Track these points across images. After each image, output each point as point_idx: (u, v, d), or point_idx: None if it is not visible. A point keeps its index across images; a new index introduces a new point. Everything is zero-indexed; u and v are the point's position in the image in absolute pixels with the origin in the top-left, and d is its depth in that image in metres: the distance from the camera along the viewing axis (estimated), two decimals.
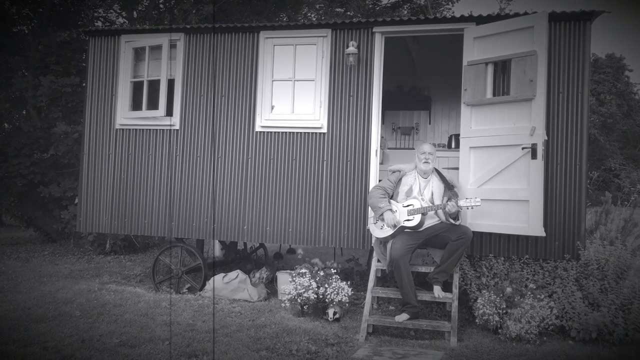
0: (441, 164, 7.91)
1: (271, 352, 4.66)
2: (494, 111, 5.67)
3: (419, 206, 5.39)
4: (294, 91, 6.48)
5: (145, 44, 6.90)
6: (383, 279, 6.20)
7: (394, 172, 5.82)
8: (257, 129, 6.58)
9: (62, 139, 10.53)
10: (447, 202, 5.37)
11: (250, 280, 6.86)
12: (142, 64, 6.99)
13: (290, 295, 5.77)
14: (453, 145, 8.51)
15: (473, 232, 5.52)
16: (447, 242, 5.40)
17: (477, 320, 5.33)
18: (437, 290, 5.43)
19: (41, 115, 11.56)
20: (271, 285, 7.10)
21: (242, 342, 4.86)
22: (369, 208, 5.86)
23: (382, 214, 5.48)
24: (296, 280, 5.81)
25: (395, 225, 5.41)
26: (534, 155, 5.30)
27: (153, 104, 6.82)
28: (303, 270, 5.95)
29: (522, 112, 5.45)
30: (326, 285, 5.72)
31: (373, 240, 5.87)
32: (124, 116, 7.00)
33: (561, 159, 5.63)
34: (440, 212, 5.46)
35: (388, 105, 9.06)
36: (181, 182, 6.80)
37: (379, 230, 5.58)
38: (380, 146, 6.64)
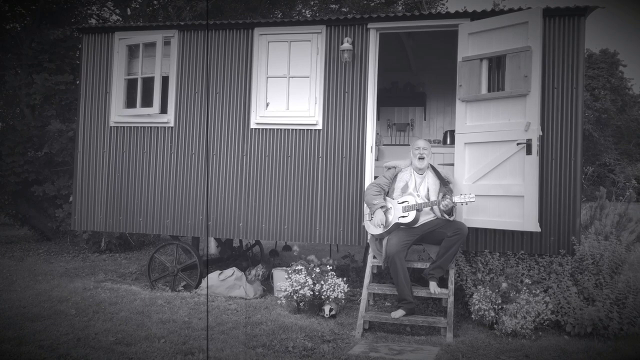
0: (436, 160, 7.92)
1: (267, 349, 4.66)
2: (488, 107, 5.67)
3: (414, 203, 5.39)
4: (288, 88, 6.46)
5: (139, 41, 6.87)
6: (379, 275, 6.20)
7: (389, 168, 5.83)
8: (252, 125, 6.56)
9: (56, 137, 10.49)
10: (441, 198, 5.38)
11: (246, 278, 6.86)
12: (136, 61, 6.96)
13: (286, 292, 5.77)
14: (448, 142, 8.52)
15: (468, 227, 5.54)
16: (442, 238, 5.41)
17: (472, 316, 5.35)
18: (433, 286, 5.44)
19: (35, 113, 11.50)
20: (267, 282, 7.10)
21: (238, 340, 4.86)
22: (365, 204, 5.87)
23: (374, 212, 5.50)
24: (292, 277, 5.81)
25: (383, 225, 5.43)
26: (528, 151, 5.31)
27: (147, 102, 6.79)
28: (299, 267, 5.95)
29: (517, 107, 5.45)
30: (322, 282, 5.72)
31: (369, 237, 5.87)
32: (118, 114, 6.97)
33: (556, 154, 5.64)
34: (435, 208, 5.47)
35: (383, 101, 9.06)
36: (176, 179, 6.78)
37: (374, 227, 5.59)
38: (376, 142, 6.64)
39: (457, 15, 6.00)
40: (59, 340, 4.75)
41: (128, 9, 13.83)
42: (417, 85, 9.45)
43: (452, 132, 8.08)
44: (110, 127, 7.03)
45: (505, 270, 5.50)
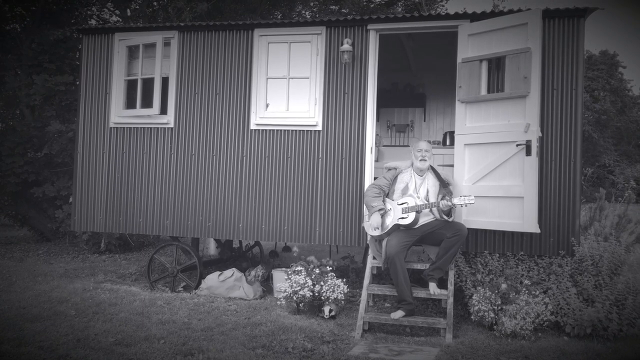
0: (436, 161, 7.91)
1: (267, 350, 4.66)
2: (488, 108, 5.68)
3: (414, 204, 5.40)
4: (288, 89, 6.47)
5: (139, 42, 6.87)
6: (379, 276, 6.20)
7: (390, 169, 5.82)
8: (252, 126, 6.56)
9: (56, 138, 10.49)
10: (441, 200, 5.38)
11: (246, 279, 6.86)
12: (136, 62, 6.96)
13: (285, 293, 5.77)
14: (448, 143, 8.53)
15: (468, 228, 5.54)
16: (442, 239, 5.42)
17: (472, 317, 5.35)
18: (433, 287, 5.44)
19: (35, 114, 11.51)
20: (267, 283, 7.10)
21: (238, 340, 4.86)
22: (364, 205, 5.87)
23: (372, 214, 5.50)
24: (292, 278, 5.81)
25: (379, 229, 5.45)
26: (528, 152, 5.32)
27: (147, 102, 6.80)
28: (299, 268, 5.95)
29: (517, 108, 5.46)
30: (322, 283, 5.72)
31: (368, 238, 5.87)
32: (118, 115, 6.97)
33: (555, 155, 5.65)
34: (434, 209, 5.47)
35: (383, 102, 9.07)
36: (176, 180, 6.79)
37: (373, 229, 5.58)
38: (375, 143, 6.64)
39: (456, 16, 6.01)
40: (58, 341, 4.75)
41: (128, 10, 13.84)
42: (416, 86, 9.46)
43: (452, 133, 8.08)
44: (110, 127, 7.03)
45: (505, 271, 5.51)
